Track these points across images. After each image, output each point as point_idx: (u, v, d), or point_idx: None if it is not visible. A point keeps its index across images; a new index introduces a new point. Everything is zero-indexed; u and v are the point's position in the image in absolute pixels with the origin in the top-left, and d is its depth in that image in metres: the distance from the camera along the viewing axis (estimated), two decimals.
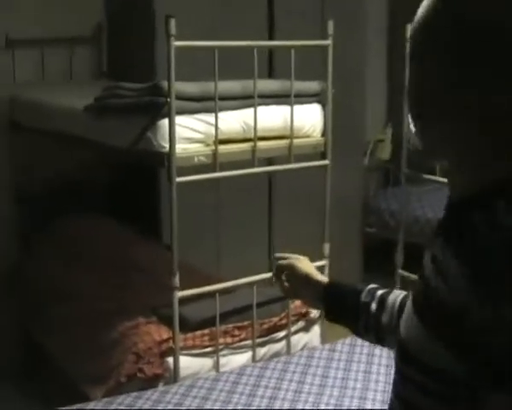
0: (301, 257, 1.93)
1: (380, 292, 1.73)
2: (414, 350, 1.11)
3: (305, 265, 1.89)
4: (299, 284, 1.89)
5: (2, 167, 4.76)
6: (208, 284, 3.69)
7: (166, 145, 3.32)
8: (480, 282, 1.03)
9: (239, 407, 3.00)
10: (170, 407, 2.99)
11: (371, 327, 1.71)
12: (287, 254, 1.95)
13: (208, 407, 2.99)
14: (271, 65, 5.31)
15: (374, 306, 1.70)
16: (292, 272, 1.89)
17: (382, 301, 1.70)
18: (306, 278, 1.86)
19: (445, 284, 1.06)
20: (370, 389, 3.15)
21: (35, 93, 4.68)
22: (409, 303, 1.18)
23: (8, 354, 4.78)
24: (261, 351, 3.77)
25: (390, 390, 1.26)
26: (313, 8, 5.44)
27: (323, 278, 1.86)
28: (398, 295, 1.71)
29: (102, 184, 5.42)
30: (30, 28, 5.05)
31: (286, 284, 1.92)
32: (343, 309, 1.80)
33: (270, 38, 5.43)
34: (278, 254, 1.97)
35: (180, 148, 3.37)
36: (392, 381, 1.25)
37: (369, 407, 3.03)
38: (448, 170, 1.24)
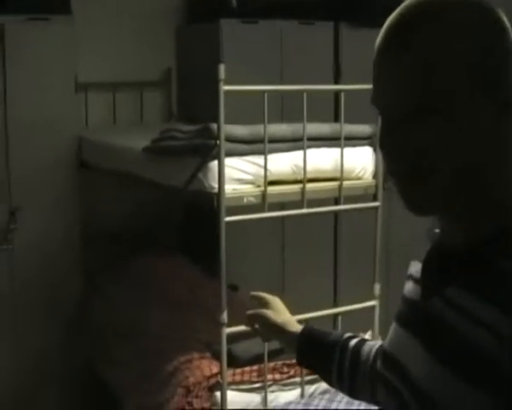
0: (271, 299, 1.88)
1: (353, 343, 1.70)
2: (446, 404, 1.12)
3: (277, 313, 1.83)
4: (273, 332, 1.85)
5: (72, 205, 4.97)
6: None
7: (216, 186, 3.44)
8: None
9: None
10: None
11: (344, 381, 1.69)
12: (261, 295, 1.90)
13: None
14: (337, 108, 5.39)
15: (347, 360, 1.68)
16: (263, 321, 1.84)
17: (356, 354, 1.68)
18: (279, 329, 1.81)
19: (498, 341, 1.06)
20: None
21: (102, 134, 4.90)
22: (420, 351, 1.17)
23: (71, 383, 4.98)
24: (310, 388, 3.82)
25: None
26: None
27: (296, 328, 1.80)
28: (372, 346, 1.68)
29: (170, 222, 5.56)
30: (101, 73, 5.28)
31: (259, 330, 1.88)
32: (316, 362, 1.78)
33: (336, 82, 5.53)
34: (254, 294, 1.93)
35: (230, 188, 3.49)
36: None
37: None
38: (441, 218, 1.24)
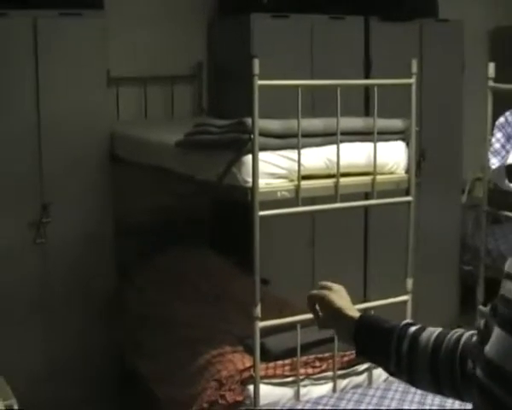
0: (336, 287, 1.87)
1: (412, 330, 1.65)
2: None
3: (339, 297, 1.83)
4: (330, 318, 1.83)
5: (104, 199, 5.00)
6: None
7: (250, 180, 3.44)
8: None
9: None
10: None
11: (403, 368, 1.65)
12: (329, 284, 1.88)
13: None
14: (368, 102, 5.39)
15: (405, 346, 1.63)
16: (323, 303, 1.83)
17: (414, 340, 1.63)
18: (337, 313, 1.79)
19: None
20: None
21: (133, 128, 4.93)
22: None
23: (104, 375, 5.02)
24: (342, 383, 3.83)
25: None
26: (411, 48, 5.48)
27: (355, 313, 1.78)
28: (431, 333, 1.63)
29: (202, 216, 5.59)
30: (133, 67, 5.31)
31: (319, 313, 1.86)
32: (374, 348, 1.74)
33: (367, 76, 5.53)
34: (323, 283, 1.91)
35: (263, 183, 3.49)
36: None
37: None
38: None
